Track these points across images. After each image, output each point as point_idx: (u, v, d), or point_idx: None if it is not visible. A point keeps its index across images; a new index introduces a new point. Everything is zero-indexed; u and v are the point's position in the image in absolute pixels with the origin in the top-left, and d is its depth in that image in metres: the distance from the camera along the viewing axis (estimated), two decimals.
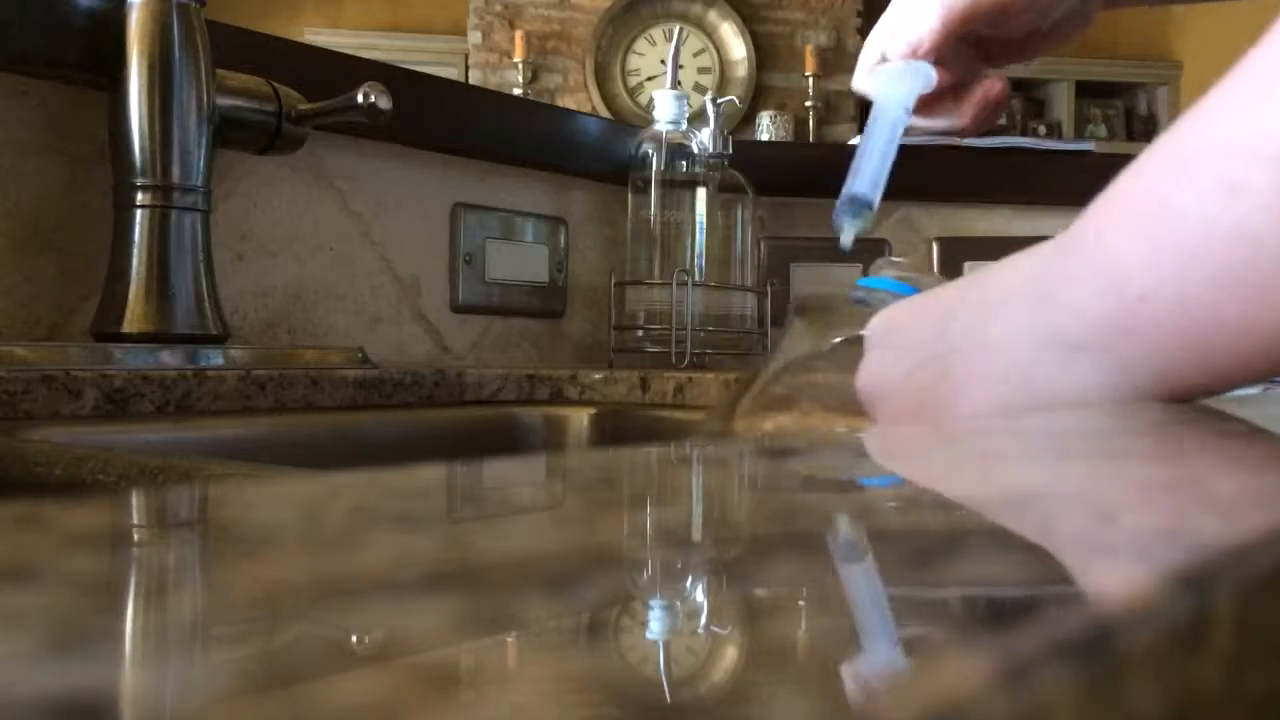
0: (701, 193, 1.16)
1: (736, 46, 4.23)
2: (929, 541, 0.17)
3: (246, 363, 0.76)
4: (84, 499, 0.17)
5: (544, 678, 0.10)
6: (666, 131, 1.16)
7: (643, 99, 4.12)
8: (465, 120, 1.09)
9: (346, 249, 1.00)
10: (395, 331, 1.04)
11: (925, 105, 0.63)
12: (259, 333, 0.93)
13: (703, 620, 0.12)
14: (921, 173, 1.34)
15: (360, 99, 0.80)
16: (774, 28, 4.28)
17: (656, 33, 4.23)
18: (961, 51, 0.62)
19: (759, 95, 4.22)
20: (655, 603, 0.13)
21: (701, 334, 1.10)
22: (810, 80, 4.17)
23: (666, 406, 0.90)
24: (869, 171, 0.59)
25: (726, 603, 0.13)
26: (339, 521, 0.17)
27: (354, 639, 0.11)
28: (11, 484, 0.50)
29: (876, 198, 0.58)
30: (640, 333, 1.14)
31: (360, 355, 0.87)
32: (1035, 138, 3.77)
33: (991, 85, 0.63)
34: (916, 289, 0.54)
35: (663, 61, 3.91)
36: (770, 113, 4.09)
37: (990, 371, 0.40)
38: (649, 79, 4.18)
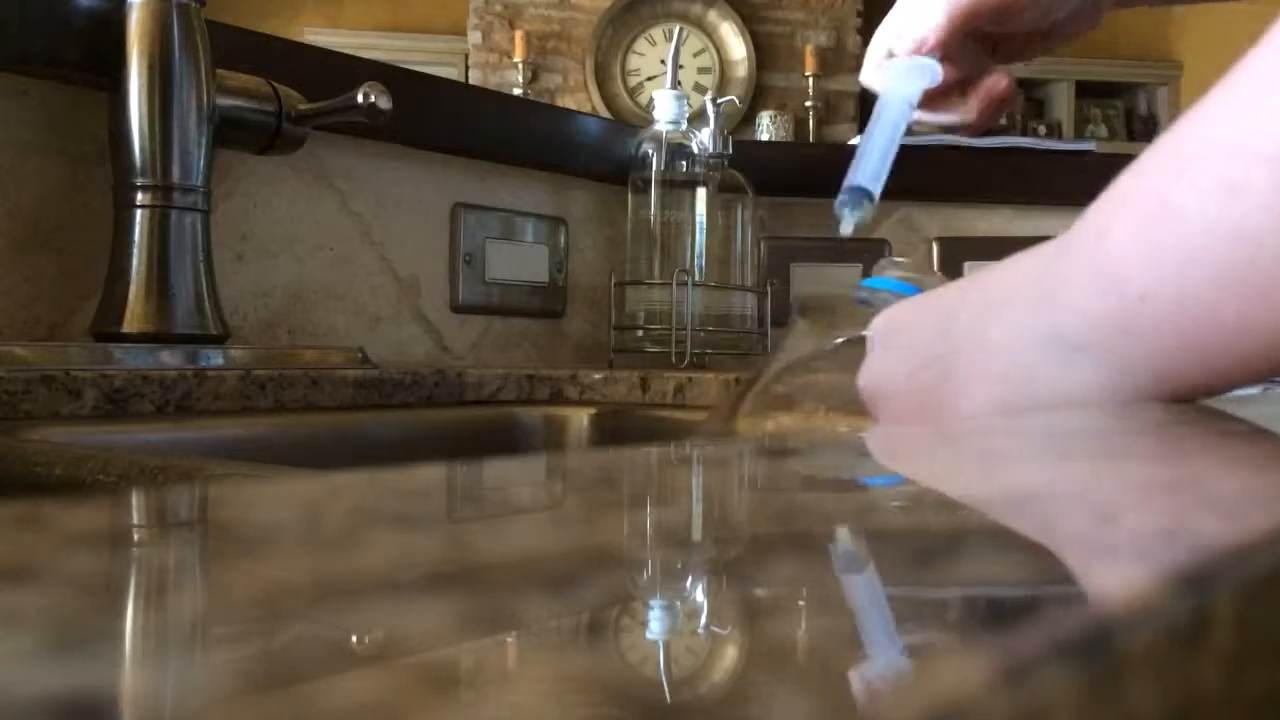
0: (701, 193, 1.16)
1: (736, 46, 4.23)
2: (930, 541, 0.17)
3: (246, 363, 0.76)
4: (84, 499, 0.17)
5: (544, 678, 0.10)
6: (666, 131, 1.16)
7: (643, 99, 4.12)
8: (465, 120, 1.09)
9: (346, 249, 1.00)
10: (395, 331, 1.04)
11: (932, 101, 0.64)
12: (259, 333, 0.93)
13: (703, 620, 0.12)
14: (921, 173, 1.34)
15: (360, 99, 0.80)
16: (774, 28, 4.28)
17: (656, 33, 4.23)
18: (968, 48, 0.62)
19: (759, 95, 4.22)
20: (655, 603, 0.13)
21: (701, 334, 1.10)
22: (810, 80, 4.18)
23: (666, 406, 0.90)
24: (871, 164, 0.59)
25: (726, 603, 0.13)
26: (339, 521, 0.17)
27: (354, 639, 0.11)
28: (11, 484, 0.50)
29: (877, 190, 0.58)
30: (640, 333, 1.14)
31: (360, 355, 0.87)
32: (1035, 138, 3.77)
33: (997, 81, 0.64)
34: (919, 289, 0.54)
35: (663, 61, 3.91)
36: (770, 113, 4.09)
37: (991, 372, 0.40)
38: (649, 79, 4.18)
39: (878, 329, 0.47)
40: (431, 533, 0.16)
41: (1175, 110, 4.46)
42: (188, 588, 0.13)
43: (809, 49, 4.20)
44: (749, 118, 4.09)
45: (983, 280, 0.43)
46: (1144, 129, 4.80)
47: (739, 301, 1.19)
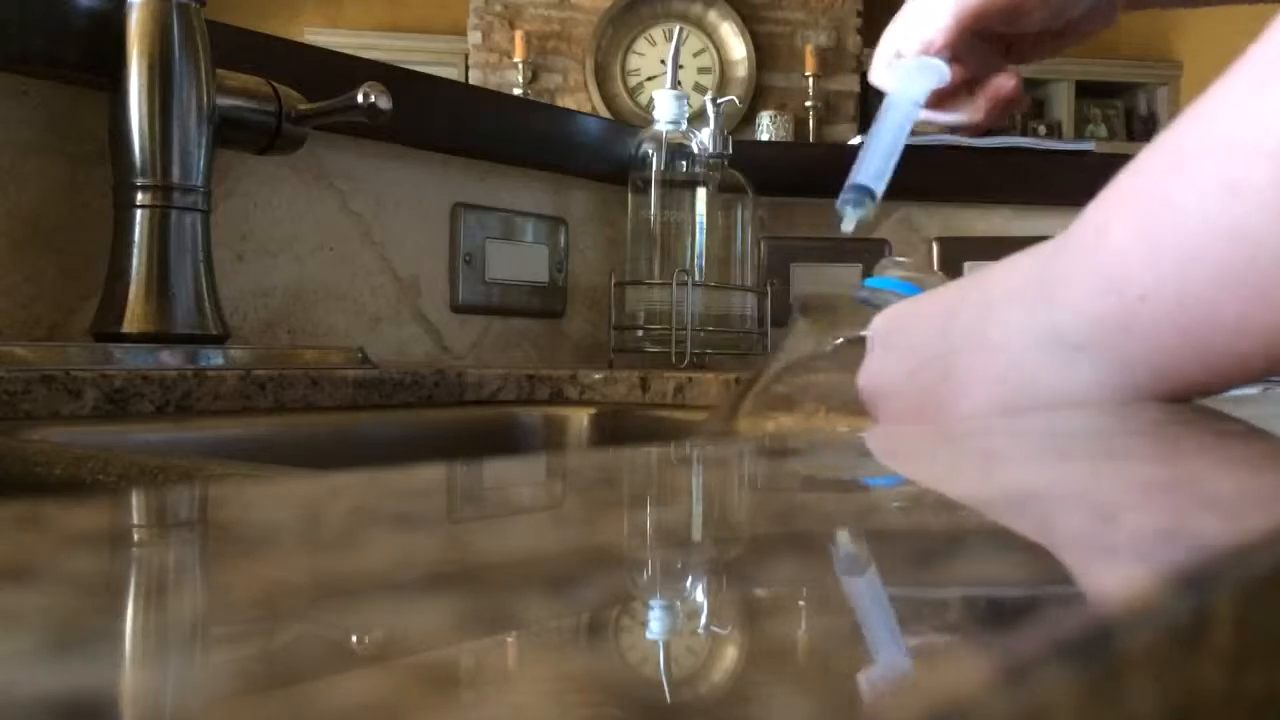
0: (701, 193, 1.16)
1: (736, 46, 4.23)
2: (929, 541, 0.17)
3: (246, 363, 0.76)
4: (84, 499, 0.17)
5: (544, 678, 0.10)
6: (666, 131, 1.16)
7: (643, 99, 4.12)
8: (465, 120, 1.09)
9: (346, 249, 1.00)
10: (395, 331, 1.04)
11: (940, 100, 0.64)
12: (259, 333, 0.93)
13: (703, 620, 0.12)
14: (921, 173, 1.34)
15: (360, 99, 0.80)
16: (774, 28, 4.28)
17: (656, 33, 4.23)
18: (976, 47, 0.62)
19: (759, 95, 4.22)
20: (655, 603, 0.13)
21: (701, 334, 1.10)
22: (810, 80, 4.18)
23: (666, 406, 0.90)
24: (874, 162, 0.59)
25: (726, 603, 0.13)
26: (339, 521, 0.17)
27: (354, 639, 0.11)
28: (11, 484, 0.50)
29: (880, 188, 0.58)
30: (640, 333, 1.14)
31: (360, 355, 0.87)
32: (1035, 138, 3.77)
33: (1004, 82, 0.63)
34: (920, 289, 0.54)
35: (663, 61, 3.91)
36: (770, 113, 4.09)
37: (990, 372, 0.40)
38: (649, 79, 4.18)
39: (877, 329, 0.47)
40: (431, 533, 0.16)
41: (1175, 110, 4.45)
42: (188, 588, 0.13)
43: (809, 49, 4.20)
44: (749, 118, 4.09)
45: (982, 280, 0.43)
46: (1144, 129, 4.80)
47: (739, 301, 1.19)
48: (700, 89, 4.06)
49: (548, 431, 0.88)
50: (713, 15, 4.23)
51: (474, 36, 4.22)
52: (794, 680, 0.10)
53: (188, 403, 0.68)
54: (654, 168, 1.15)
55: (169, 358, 0.73)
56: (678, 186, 1.16)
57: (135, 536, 0.16)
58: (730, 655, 0.11)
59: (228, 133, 0.81)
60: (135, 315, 0.75)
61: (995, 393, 0.40)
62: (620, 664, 0.10)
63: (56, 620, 0.11)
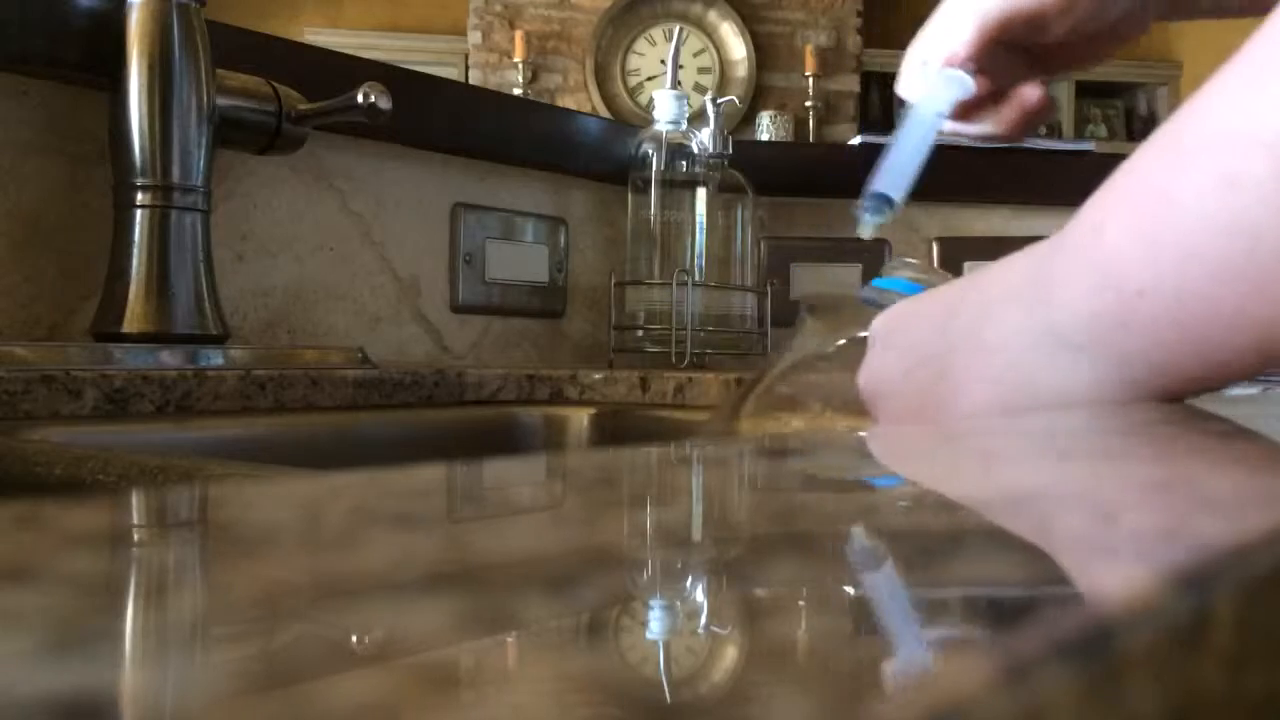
0: (701, 193, 1.16)
1: (736, 46, 4.23)
2: (929, 541, 0.17)
3: (246, 363, 0.76)
4: (84, 499, 0.17)
5: (544, 678, 0.10)
6: (666, 131, 1.16)
7: (643, 99, 4.12)
8: (465, 120, 1.09)
9: (346, 249, 1.00)
10: (395, 331, 1.04)
11: (965, 112, 0.63)
12: (259, 333, 0.93)
13: (703, 620, 0.12)
14: (921, 173, 1.34)
15: (360, 99, 0.80)
16: (774, 28, 4.28)
17: (656, 33, 4.23)
18: (1002, 58, 0.61)
19: (759, 95, 4.23)
20: (655, 603, 0.13)
21: (701, 334, 1.10)
22: (810, 80, 4.18)
23: (666, 406, 0.90)
24: (895, 171, 0.59)
25: (726, 603, 0.13)
26: (339, 521, 0.17)
27: (354, 639, 0.11)
28: (11, 484, 0.50)
29: (899, 196, 0.58)
30: (640, 333, 1.14)
31: (360, 355, 0.87)
32: (1035, 138, 3.77)
33: (1030, 93, 0.63)
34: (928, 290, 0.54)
35: (663, 61, 3.91)
36: (770, 113, 4.09)
37: (988, 371, 0.40)
38: (649, 79, 4.18)
39: (878, 328, 0.47)
40: (431, 533, 0.16)
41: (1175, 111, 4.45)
42: (188, 588, 0.13)
43: (809, 49, 4.20)
44: (749, 118, 4.09)
45: (980, 280, 0.43)
46: (1144, 129, 4.80)
47: (739, 301, 1.19)
48: (700, 89, 4.06)
49: (548, 431, 0.88)
50: (713, 15, 4.23)
51: (474, 36, 4.22)
52: (794, 680, 0.10)
53: (188, 403, 0.68)
54: (654, 168, 1.15)
55: (169, 358, 0.73)
56: (678, 186, 1.16)
57: (135, 536, 0.16)
58: (730, 655, 0.11)
59: (228, 133, 0.81)
60: (135, 315, 0.75)
61: (993, 392, 0.40)
62: (620, 664, 0.10)
63: (56, 620, 0.11)
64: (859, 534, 0.17)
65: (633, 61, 4.24)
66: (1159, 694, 0.12)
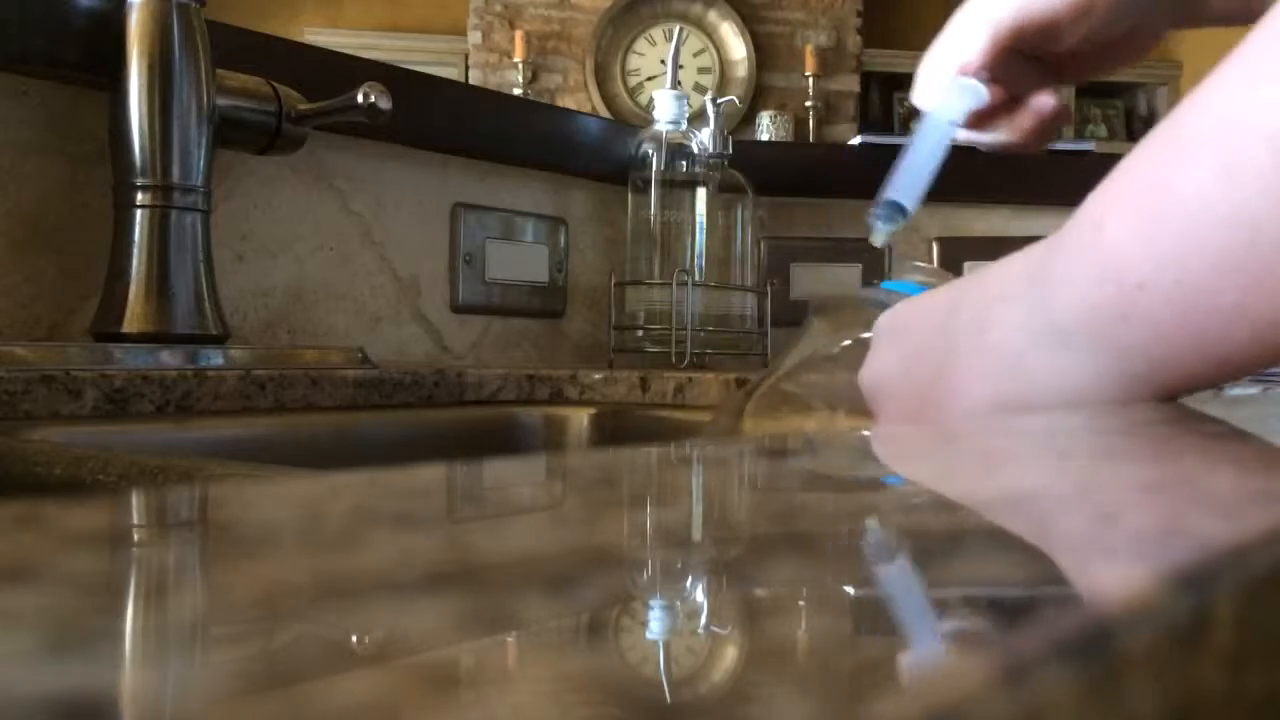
0: (701, 193, 1.16)
1: (736, 46, 4.23)
2: (928, 541, 0.17)
3: (246, 363, 0.76)
4: (84, 499, 0.17)
5: (544, 678, 0.10)
6: (666, 131, 1.16)
7: (643, 99, 4.12)
8: (465, 120, 1.09)
9: (346, 249, 1.00)
10: (395, 331, 1.04)
11: (979, 120, 0.63)
12: (259, 333, 0.93)
13: (703, 620, 0.12)
14: (934, 181, 1.34)
15: (360, 99, 0.80)
16: (774, 28, 4.28)
17: (656, 33, 4.23)
18: (1017, 67, 0.61)
19: (759, 95, 4.23)
20: (655, 603, 0.13)
21: (701, 334, 1.10)
22: (810, 80, 4.18)
23: (666, 406, 0.90)
24: (907, 179, 0.59)
25: (726, 603, 0.13)
26: (339, 521, 0.17)
27: (354, 639, 0.11)
28: (11, 484, 0.50)
29: (911, 204, 0.58)
30: (640, 333, 1.14)
31: (360, 355, 0.87)
32: None
33: (1045, 102, 0.63)
34: None
35: (663, 61, 3.91)
36: (770, 113, 4.09)
37: (988, 366, 0.40)
38: (649, 79, 4.18)
39: (880, 328, 0.47)
40: (431, 533, 0.16)
41: None
42: (188, 588, 0.13)
43: (809, 49, 4.20)
44: (749, 118, 4.09)
45: (981, 278, 0.43)
46: (1144, 129, 4.78)
47: (739, 301, 1.19)
48: (700, 89, 4.06)
49: (548, 431, 0.88)
50: (713, 15, 4.23)
51: (474, 36, 4.22)
52: (794, 680, 0.10)
53: (188, 403, 0.68)
54: (654, 168, 1.15)
55: (169, 358, 0.73)
56: (678, 186, 1.16)
57: (135, 536, 0.16)
58: (730, 655, 0.11)
59: (228, 133, 0.81)
60: (135, 315, 0.75)
61: (993, 388, 0.40)
62: (620, 664, 0.10)
63: (56, 620, 0.11)
64: (859, 534, 0.17)
65: (633, 61, 4.24)
66: (1159, 694, 0.12)
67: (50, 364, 0.66)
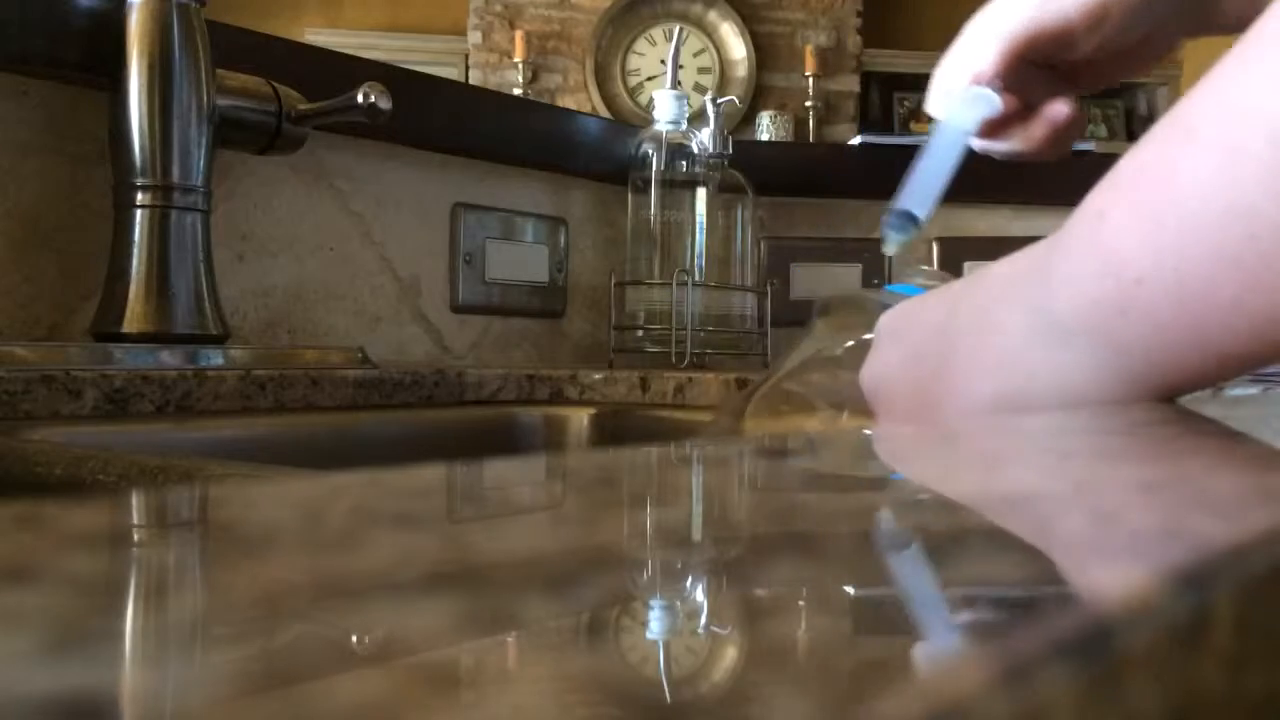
0: (701, 193, 1.16)
1: (736, 46, 4.24)
2: (929, 541, 0.17)
3: (246, 363, 0.76)
4: (84, 499, 0.17)
5: (544, 678, 0.10)
6: (666, 131, 1.16)
7: (643, 99, 4.12)
8: (465, 120, 1.09)
9: (346, 249, 1.00)
10: (395, 331, 1.04)
11: (993, 130, 0.63)
12: (259, 333, 0.93)
13: (703, 620, 0.12)
14: (947, 190, 1.34)
15: (360, 99, 0.80)
16: (774, 28, 4.28)
17: (656, 33, 4.23)
18: (1031, 76, 0.61)
19: (759, 95, 4.23)
20: (655, 603, 0.13)
21: (701, 334, 1.10)
22: (810, 80, 4.18)
23: (666, 406, 0.90)
24: (920, 189, 0.59)
25: (726, 603, 0.13)
26: (339, 521, 0.17)
27: (354, 639, 0.11)
28: (11, 484, 0.50)
29: (923, 214, 0.59)
30: (640, 333, 1.14)
31: (360, 355, 0.87)
32: None
33: (1059, 109, 0.62)
34: None
35: (663, 61, 3.91)
36: (770, 113, 4.09)
37: (987, 364, 0.40)
38: (649, 79, 4.18)
39: (882, 327, 0.47)
40: (431, 533, 0.16)
41: None
42: (188, 588, 0.13)
43: (809, 49, 4.20)
44: (749, 118, 4.09)
45: (982, 277, 0.43)
46: (1144, 129, 4.74)
47: (739, 301, 1.19)
48: (700, 89, 4.06)
49: (548, 431, 0.88)
50: (713, 15, 4.23)
51: (474, 36, 4.22)
52: (794, 680, 0.10)
53: (188, 403, 0.68)
54: (654, 168, 1.15)
55: (169, 358, 0.73)
56: (678, 186, 1.16)
57: (135, 536, 0.16)
58: (730, 655, 0.11)
59: (228, 133, 0.81)
60: (135, 315, 0.75)
61: (992, 384, 0.40)
62: (620, 664, 0.10)
63: (56, 620, 0.11)
64: (859, 534, 0.17)
65: (633, 61, 4.24)
66: (1159, 694, 0.12)
67: (50, 364, 0.66)
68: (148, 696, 0.09)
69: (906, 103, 4.64)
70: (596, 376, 0.91)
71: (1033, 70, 0.61)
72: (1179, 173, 0.33)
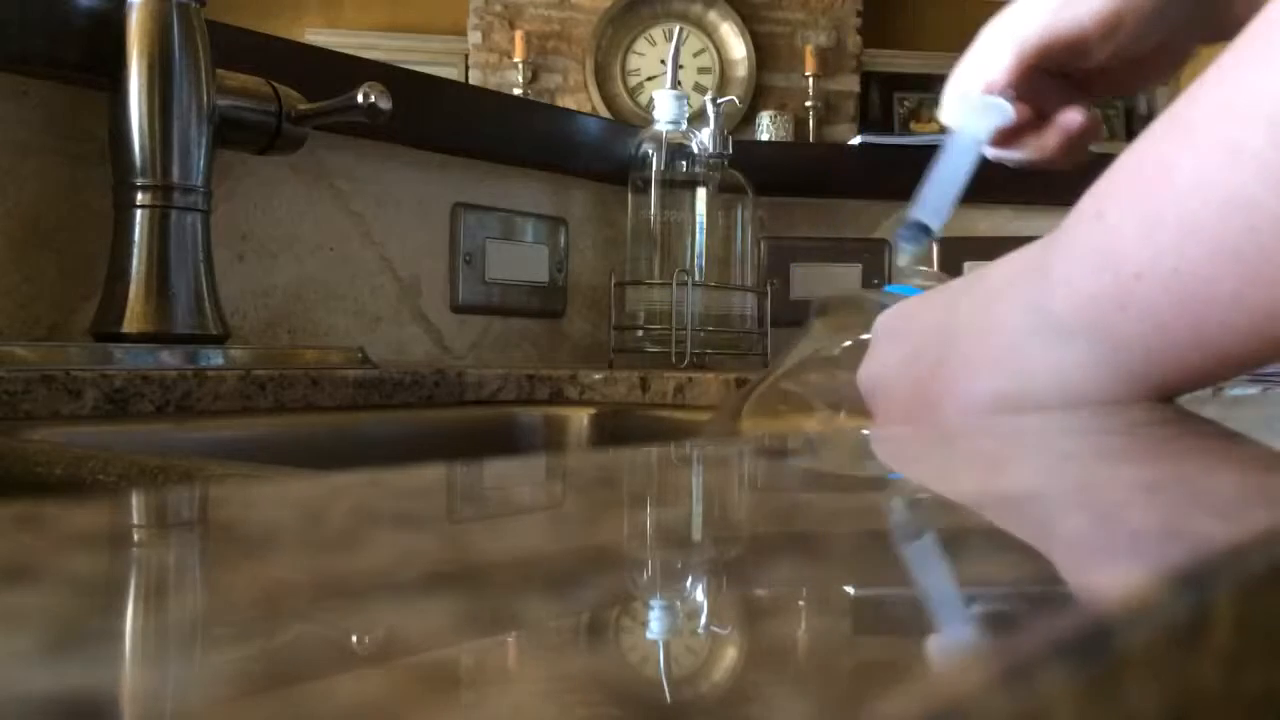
0: (701, 193, 1.16)
1: (736, 46, 4.24)
2: (928, 541, 0.17)
3: (246, 363, 0.76)
4: (84, 499, 0.17)
5: (544, 678, 0.10)
6: (666, 131, 1.16)
7: (643, 99, 4.12)
8: (465, 120, 1.09)
9: (346, 249, 1.00)
10: (395, 331, 1.04)
11: (1006, 139, 0.63)
12: (259, 333, 0.93)
13: (702, 620, 0.12)
14: (921, 173, 1.34)
15: (360, 99, 0.80)
16: (774, 28, 4.29)
17: (656, 33, 4.23)
18: (1045, 84, 0.60)
19: (759, 95, 4.23)
20: (655, 603, 0.13)
21: (701, 334, 1.10)
22: (810, 80, 4.18)
23: (666, 406, 0.90)
24: (933, 199, 0.59)
25: (726, 603, 0.13)
26: (339, 521, 0.17)
27: (354, 639, 0.11)
28: (11, 484, 0.50)
29: (936, 225, 0.59)
30: (640, 333, 1.14)
31: (360, 355, 0.87)
32: None
33: (1073, 117, 0.62)
34: None
35: (663, 61, 3.91)
36: (770, 113, 4.09)
37: (985, 363, 0.40)
38: (649, 79, 4.18)
39: (880, 326, 0.47)
40: (431, 533, 0.16)
41: None
42: (188, 588, 0.13)
43: (809, 49, 4.21)
44: (749, 118, 4.09)
45: (981, 276, 0.43)
46: (1144, 128, 4.78)
47: (739, 301, 1.19)
48: (700, 89, 4.06)
49: (548, 431, 0.88)
50: (713, 15, 4.23)
51: (474, 36, 4.22)
52: (794, 680, 0.10)
53: (188, 403, 0.68)
54: (654, 168, 1.15)
55: (169, 358, 0.73)
56: (678, 186, 1.16)
57: (135, 536, 0.16)
58: (730, 655, 0.11)
59: (228, 133, 0.81)
60: (135, 315, 0.75)
61: (990, 382, 0.39)
62: (620, 664, 0.10)
63: (56, 620, 0.11)
64: (859, 534, 0.17)
65: (633, 61, 4.24)
66: (1158, 693, 0.12)
67: (50, 364, 0.66)
68: (148, 696, 0.09)
69: (906, 103, 4.64)
70: (596, 376, 0.91)
71: (1046, 79, 0.60)
72: (1178, 168, 0.33)
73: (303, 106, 0.84)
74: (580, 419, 0.88)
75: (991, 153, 0.63)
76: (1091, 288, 0.35)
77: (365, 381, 0.78)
